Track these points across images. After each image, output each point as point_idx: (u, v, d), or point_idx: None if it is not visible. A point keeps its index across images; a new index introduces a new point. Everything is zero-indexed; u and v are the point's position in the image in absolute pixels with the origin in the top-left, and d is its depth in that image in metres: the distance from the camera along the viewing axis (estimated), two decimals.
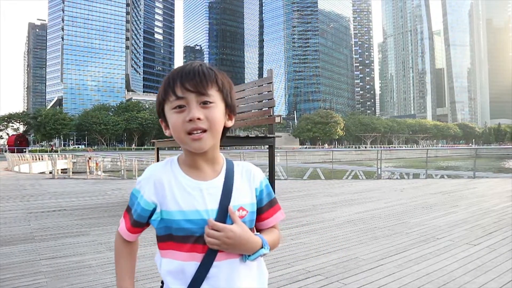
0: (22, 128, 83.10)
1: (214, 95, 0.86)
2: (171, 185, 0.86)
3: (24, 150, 55.20)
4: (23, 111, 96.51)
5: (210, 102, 0.85)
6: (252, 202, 0.91)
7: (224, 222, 0.84)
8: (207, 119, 0.84)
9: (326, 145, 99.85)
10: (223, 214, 0.85)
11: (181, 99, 0.83)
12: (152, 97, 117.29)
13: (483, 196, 7.14)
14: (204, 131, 0.84)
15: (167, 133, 0.90)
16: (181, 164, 0.90)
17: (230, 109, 0.91)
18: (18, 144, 68.48)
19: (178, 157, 0.91)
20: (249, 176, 0.93)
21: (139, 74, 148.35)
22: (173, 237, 0.84)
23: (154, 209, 0.86)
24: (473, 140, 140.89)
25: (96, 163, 20.09)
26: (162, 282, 0.89)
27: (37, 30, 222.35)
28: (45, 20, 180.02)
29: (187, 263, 0.84)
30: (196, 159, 0.88)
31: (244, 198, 0.90)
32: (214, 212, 0.85)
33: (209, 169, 0.90)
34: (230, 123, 0.92)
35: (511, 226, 4.40)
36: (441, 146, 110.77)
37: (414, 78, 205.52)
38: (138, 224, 0.90)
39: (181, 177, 0.87)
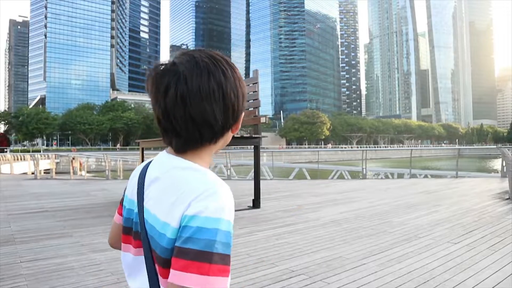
0: (3, 128, 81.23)
1: None
2: None
3: (5, 150, 53.92)
4: (5, 110, 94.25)
5: None
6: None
7: None
8: None
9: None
10: None
11: None
12: (138, 97, 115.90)
13: (465, 196, 7.29)
14: None
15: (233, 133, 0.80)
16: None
17: None
18: None
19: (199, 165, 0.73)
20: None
21: (125, 73, 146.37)
22: None
23: None
24: (457, 140, 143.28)
25: (80, 163, 19.71)
26: None
27: (19, 27, 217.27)
28: (27, 17, 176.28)
29: None
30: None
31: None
32: None
33: None
34: None
35: (490, 225, 4.52)
36: (426, 146, 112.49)
37: (399, 79, 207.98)
38: None
39: None
